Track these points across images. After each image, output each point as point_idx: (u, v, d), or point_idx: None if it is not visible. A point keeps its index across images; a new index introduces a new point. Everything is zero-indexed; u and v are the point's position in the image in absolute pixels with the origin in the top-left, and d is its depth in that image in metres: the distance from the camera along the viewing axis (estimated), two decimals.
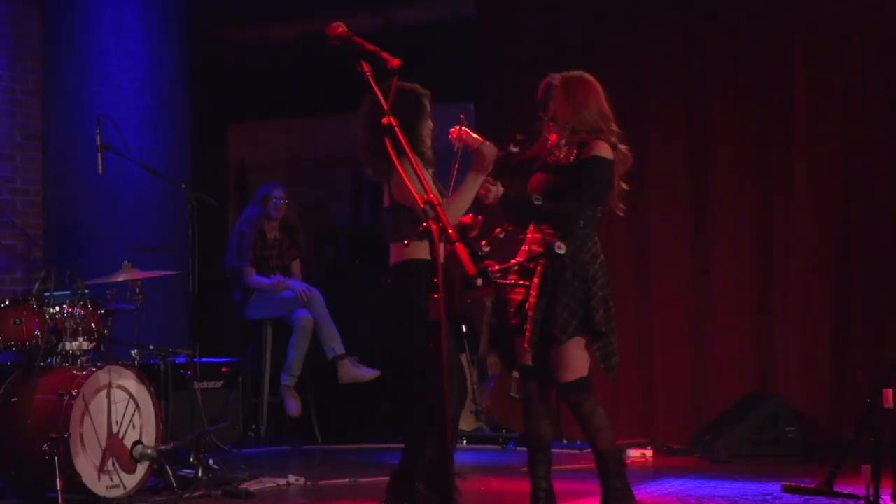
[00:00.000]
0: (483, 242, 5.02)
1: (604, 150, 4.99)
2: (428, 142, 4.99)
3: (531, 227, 5.14)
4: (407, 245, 4.81)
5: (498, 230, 5.09)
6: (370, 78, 3.85)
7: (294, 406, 8.05)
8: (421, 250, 4.79)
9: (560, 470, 5.39)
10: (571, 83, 5.16)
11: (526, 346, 5.00)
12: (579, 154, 5.01)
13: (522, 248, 5.17)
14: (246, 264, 8.17)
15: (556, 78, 5.18)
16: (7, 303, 5.98)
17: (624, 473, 5.09)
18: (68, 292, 6.12)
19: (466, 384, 5.28)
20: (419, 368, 4.65)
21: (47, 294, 6.05)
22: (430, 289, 3.56)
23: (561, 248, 4.87)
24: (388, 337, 4.98)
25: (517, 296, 5.05)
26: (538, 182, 5.10)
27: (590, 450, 5.13)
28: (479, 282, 4.80)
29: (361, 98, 4.75)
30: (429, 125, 5.00)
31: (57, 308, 6.03)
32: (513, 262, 5.04)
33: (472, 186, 4.88)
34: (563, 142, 5.06)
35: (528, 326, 4.99)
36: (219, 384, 7.68)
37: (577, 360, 4.99)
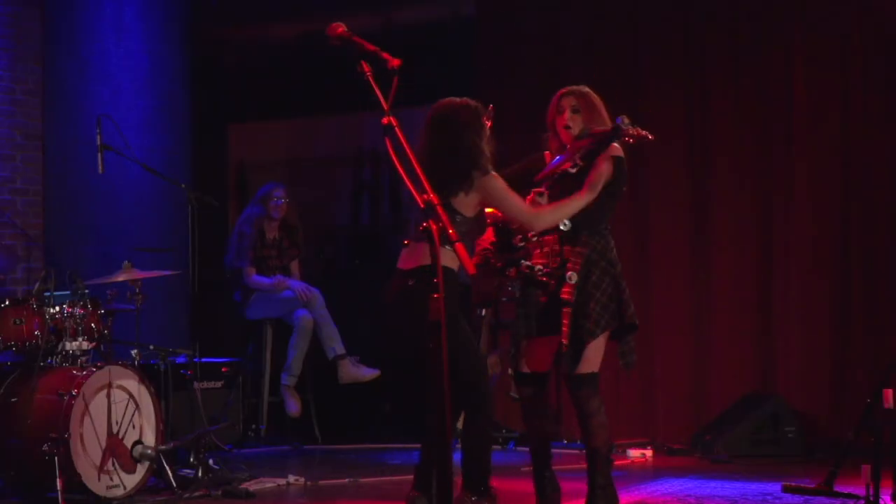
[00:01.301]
0: (517, 238, 5.10)
1: (618, 150, 5.15)
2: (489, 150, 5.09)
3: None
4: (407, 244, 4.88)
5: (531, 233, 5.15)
6: (370, 78, 3.85)
7: (294, 406, 8.06)
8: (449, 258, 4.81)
9: (560, 470, 5.40)
10: (590, 94, 5.29)
11: (564, 340, 5.05)
12: (591, 158, 5.14)
13: (543, 249, 5.19)
14: (246, 264, 8.17)
15: (576, 90, 5.24)
16: (7, 303, 5.98)
17: (610, 472, 5.20)
18: (68, 292, 6.11)
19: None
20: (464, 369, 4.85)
21: (47, 294, 6.04)
22: (430, 289, 3.55)
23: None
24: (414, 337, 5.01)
25: (566, 295, 5.11)
26: (561, 187, 5.17)
27: None
28: (513, 271, 4.99)
29: (361, 98, 4.74)
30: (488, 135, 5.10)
31: (57, 308, 6.03)
32: (537, 262, 5.13)
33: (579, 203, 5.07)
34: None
35: (566, 322, 5.06)
36: (219, 384, 7.68)
37: (598, 354, 5.11)
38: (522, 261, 5.08)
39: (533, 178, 5.24)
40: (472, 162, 4.93)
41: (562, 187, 5.13)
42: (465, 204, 4.94)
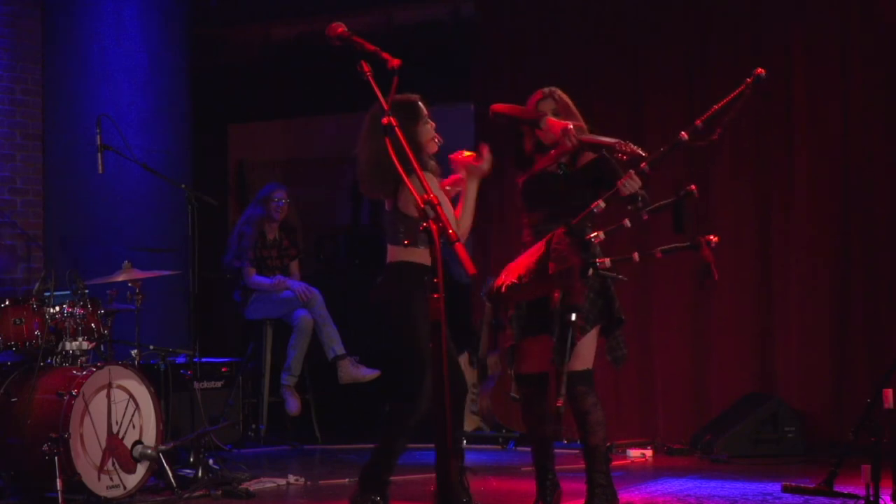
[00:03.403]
0: (594, 234, 5.02)
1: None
2: (431, 148, 5.12)
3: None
4: (407, 245, 4.93)
5: (625, 220, 5.05)
6: (370, 78, 3.85)
7: (294, 405, 8.06)
8: (418, 254, 4.92)
9: (560, 470, 5.40)
10: (562, 95, 5.36)
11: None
12: (575, 159, 5.23)
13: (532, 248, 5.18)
14: (246, 264, 8.17)
15: (549, 93, 5.27)
16: (7, 303, 5.98)
17: (609, 471, 5.20)
18: (68, 292, 6.12)
19: (463, 381, 5.35)
20: (407, 359, 4.96)
21: (47, 294, 6.05)
22: (431, 288, 3.55)
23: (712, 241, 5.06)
24: (382, 332, 5.07)
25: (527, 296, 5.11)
26: (546, 189, 5.21)
27: None
28: (591, 272, 4.94)
29: (361, 98, 4.75)
30: (429, 129, 5.11)
31: (57, 308, 6.03)
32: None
33: (473, 194, 5.20)
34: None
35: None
36: (219, 384, 7.69)
37: (590, 350, 5.13)
38: (596, 260, 5.06)
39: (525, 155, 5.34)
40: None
41: (542, 187, 5.21)
42: (407, 200, 4.95)
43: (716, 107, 5.03)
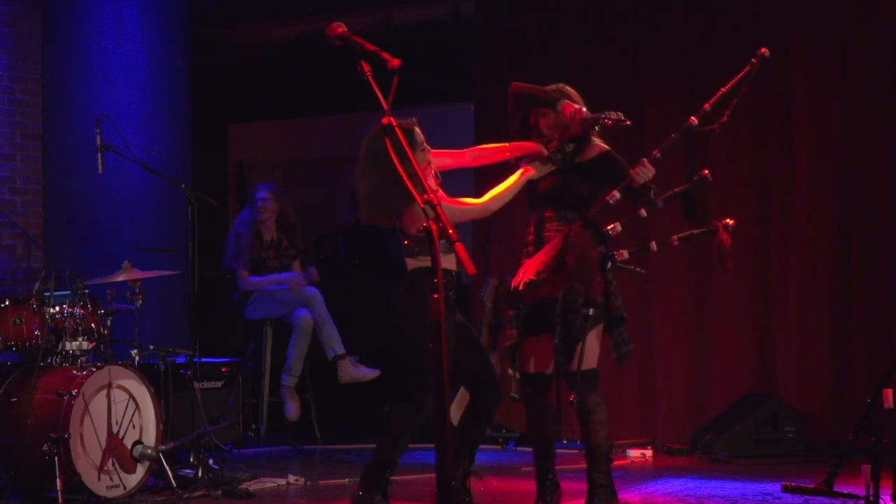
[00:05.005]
0: (610, 226, 4.99)
1: (604, 145, 5.20)
2: (428, 174, 4.99)
3: (540, 225, 5.17)
4: (413, 250, 4.89)
5: (641, 209, 5.03)
6: (370, 78, 3.85)
7: (293, 410, 8.03)
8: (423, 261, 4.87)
9: (560, 470, 5.41)
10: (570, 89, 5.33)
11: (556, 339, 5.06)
12: (578, 153, 5.15)
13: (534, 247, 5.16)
14: (241, 266, 8.14)
15: (564, 87, 5.26)
16: (7, 303, 5.98)
17: (610, 471, 5.20)
18: (68, 292, 6.12)
19: (497, 390, 5.29)
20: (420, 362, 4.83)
21: (47, 294, 6.05)
22: (430, 289, 3.55)
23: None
24: (397, 334, 5.02)
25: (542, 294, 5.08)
26: (550, 182, 5.18)
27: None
28: (609, 265, 4.93)
29: (361, 98, 4.73)
30: (425, 156, 4.97)
31: (57, 308, 6.03)
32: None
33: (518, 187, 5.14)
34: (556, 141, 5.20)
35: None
36: (219, 384, 7.69)
37: (592, 349, 5.09)
38: (614, 253, 5.03)
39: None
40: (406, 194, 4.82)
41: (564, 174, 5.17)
42: (412, 221, 4.90)
43: (723, 89, 5.03)
